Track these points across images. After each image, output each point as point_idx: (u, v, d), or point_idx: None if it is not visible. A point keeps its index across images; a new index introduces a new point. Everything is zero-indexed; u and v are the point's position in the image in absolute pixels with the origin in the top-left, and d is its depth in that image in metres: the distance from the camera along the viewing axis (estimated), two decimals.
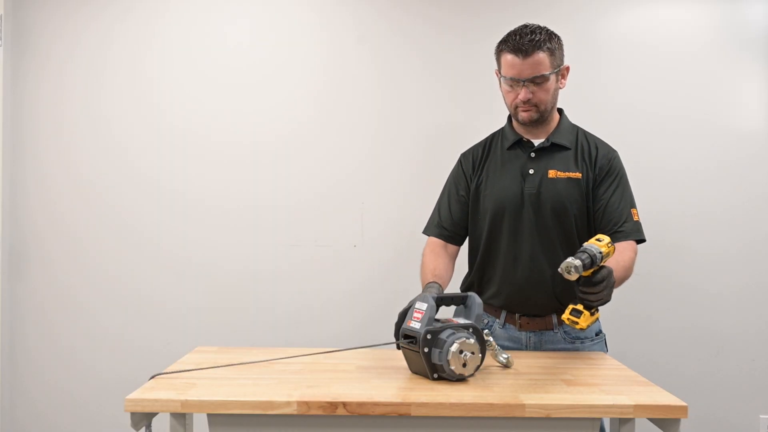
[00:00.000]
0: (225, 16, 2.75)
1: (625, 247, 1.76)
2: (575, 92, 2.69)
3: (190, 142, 2.75)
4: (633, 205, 1.86)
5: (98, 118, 2.75)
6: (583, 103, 2.70)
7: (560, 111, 1.95)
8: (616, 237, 1.77)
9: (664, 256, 2.70)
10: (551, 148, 1.88)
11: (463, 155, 2.03)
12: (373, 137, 2.75)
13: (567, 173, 1.85)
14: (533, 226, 1.85)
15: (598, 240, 1.50)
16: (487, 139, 2.02)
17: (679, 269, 2.71)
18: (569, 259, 1.44)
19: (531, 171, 1.87)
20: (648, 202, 2.67)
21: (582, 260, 1.44)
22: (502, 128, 1.99)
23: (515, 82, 1.80)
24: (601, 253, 1.47)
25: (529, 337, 1.88)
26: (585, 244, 1.49)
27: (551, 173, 1.86)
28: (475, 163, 1.97)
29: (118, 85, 2.75)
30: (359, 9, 2.75)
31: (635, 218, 1.83)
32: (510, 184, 1.88)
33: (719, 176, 2.71)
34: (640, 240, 1.83)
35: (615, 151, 1.92)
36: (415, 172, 2.72)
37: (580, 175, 1.85)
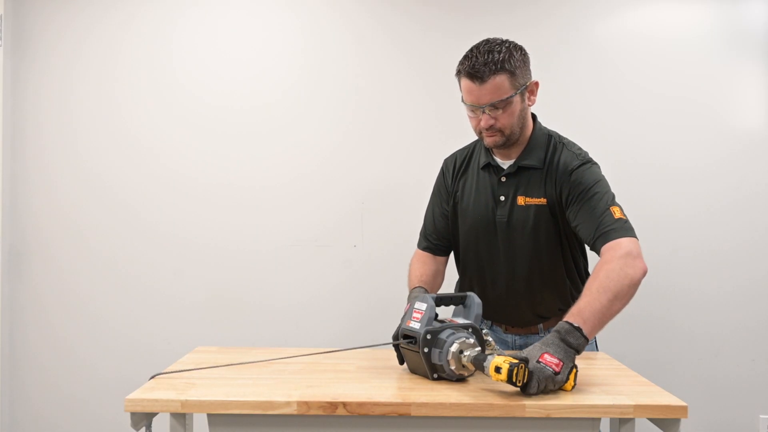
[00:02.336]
0: (223, 20, 2.76)
1: (608, 258, 1.55)
2: (573, 93, 2.71)
3: (192, 144, 2.75)
4: (611, 204, 1.66)
5: (98, 117, 2.76)
6: (581, 104, 2.71)
7: (534, 118, 1.82)
8: (597, 244, 1.62)
9: (664, 256, 2.70)
10: (520, 171, 1.77)
11: (446, 162, 1.97)
12: (373, 137, 2.75)
13: (534, 199, 1.75)
14: (508, 252, 1.81)
15: (497, 368, 1.33)
16: (470, 146, 1.94)
17: (678, 269, 2.72)
18: (469, 353, 1.42)
19: (502, 198, 1.79)
20: (646, 202, 2.69)
21: (473, 356, 1.40)
22: None
23: (475, 108, 1.69)
24: (481, 362, 1.37)
25: (515, 339, 1.88)
26: (495, 356, 1.36)
27: (520, 200, 1.77)
28: (455, 173, 1.91)
29: (119, 84, 2.76)
30: (358, 11, 2.75)
31: (616, 216, 1.63)
32: (483, 210, 1.82)
33: (718, 174, 2.71)
34: (627, 236, 1.60)
35: (580, 156, 1.75)
36: (415, 172, 2.71)
37: (546, 201, 1.74)
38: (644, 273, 1.54)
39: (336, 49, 2.76)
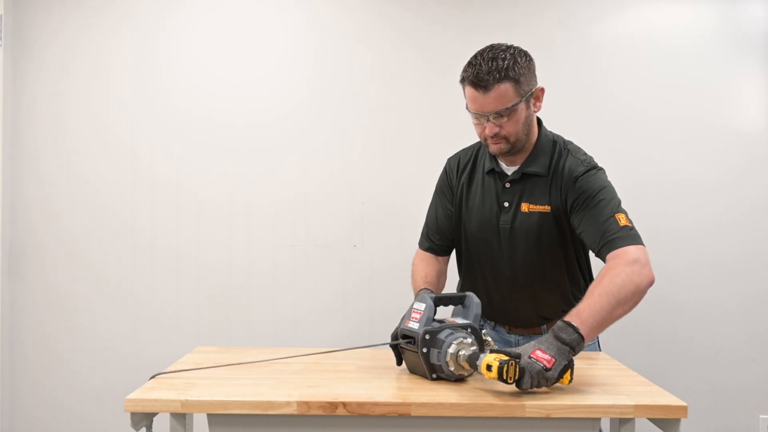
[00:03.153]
0: (222, 15, 2.76)
1: (613, 264, 1.54)
2: (573, 94, 2.71)
3: (190, 140, 2.75)
4: (617, 211, 1.64)
5: (98, 118, 2.76)
6: (581, 105, 2.71)
7: (539, 122, 1.81)
8: (603, 252, 1.60)
9: (664, 257, 2.69)
10: (525, 177, 1.77)
11: (449, 162, 1.96)
12: (373, 137, 2.75)
13: (538, 206, 1.74)
14: (511, 258, 1.80)
15: (489, 366, 1.33)
16: (474, 146, 1.93)
17: (678, 269, 2.72)
18: (464, 351, 1.41)
19: (506, 204, 1.78)
20: (646, 206, 2.69)
21: (468, 355, 1.39)
22: None
23: (480, 116, 1.68)
24: (473, 360, 1.38)
25: (518, 340, 1.88)
26: (487, 354, 1.36)
27: (524, 207, 1.76)
28: (459, 173, 1.90)
29: (119, 85, 2.76)
30: (357, 10, 2.75)
31: (621, 223, 1.61)
32: (488, 215, 1.81)
33: (718, 179, 2.71)
34: (633, 243, 1.58)
35: (585, 162, 1.74)
36: (415, 172, 2.72)
37: (549, 208, 1.73)
38: (651, 282, 1.53)
39: (336, 50, 2.76)
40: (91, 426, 2.74)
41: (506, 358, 1.32)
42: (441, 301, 1.56)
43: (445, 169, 1.97)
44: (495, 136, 1.69)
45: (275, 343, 2.60)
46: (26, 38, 2.75)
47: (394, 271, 2.68)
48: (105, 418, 2.72)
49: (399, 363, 1.58)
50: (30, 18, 2.75)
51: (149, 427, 1.40)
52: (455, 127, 2.55)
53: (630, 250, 1.56)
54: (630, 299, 1.49)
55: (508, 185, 1.79)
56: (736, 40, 2.71)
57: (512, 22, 2.71)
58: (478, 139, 1.96)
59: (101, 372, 2.74)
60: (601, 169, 1.76)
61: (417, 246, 2.01)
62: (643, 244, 1.60)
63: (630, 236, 1.59)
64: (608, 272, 1.52)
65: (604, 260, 1.60)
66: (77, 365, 2.76)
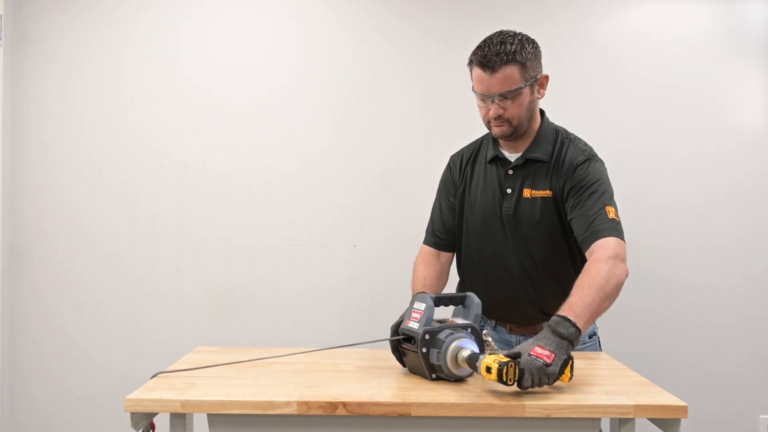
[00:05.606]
0: (219, 18, 2.76)
1: (597, 257, 1.59)
2: (574, 92, 2.71)
3: (192, 141, 2.75)
4: (608, 204, 1.69)
5: (99, 117, 2.76)
6: (581, 103, 2.71)
7: (542, 113, 1.85)
8: (587, 241, 1.65)
9: (663, 255, 2.70)
10: (527, 164, 1.80)
11: (452, 158, 1.99)
12: (372, 137, 2.75)
13: (540, 192, 1.78)
14: (514, 246, 1.82)
15: (488, 368, 1.32)
16: (476, 142, 1.96)
17: (677, 269, 2.72)
18: (466, 353, 1.40)
19: (508, 190, 1.81)
20: (646, 202, 2.69)
21: (468, 356, 1.38)
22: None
23: (485, 97, 1.72)
24: (474, 361, 1.36)
25: (519, 340, 1.88)
26: (486, 355, 1.35)
27: (526, 192, 1.79)
28: (462, 168, 1.93)
29: (120, 83, 2.75)
30: (355, 11, 2.75)
31: (610, 216, 1.66)
32: (490, 202, 1.84)
33: (717, 175, 2.71)
34: (616, 236, 1.63)
35: (586, 152, 1.78)
36: (414, 172, 2.72)
37: (551, 193, 1.77)
38: (626, 276, 1.59)
39: (336, 50, 2.76)
40: (93, 422, 2.74)
41: (505, 359, 1.32)
42: (441, 301, 1.56)
43: (448, 165, 2.00)
44: (498, 118, 1.73)
45: (275, 343, 2.59)
46: (26, 38, 2.75)
47: (394, 271, 2.67)
48: (106, 414, 2.71)
49: (401, 363, 1.57)
50: (30, 18, 2.75)
51: (147, 427, 1.40)
52: (456, 127, 2.56)
53: (612, 243, 1.62)
54: (613, 293, 1.55)
55: (510, 172, 1.82)
56: (737, 38, 2.70)
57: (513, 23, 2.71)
58: (478, 137, 1.98)
59: (102, 372, 2.74)
60: (600, 160, 1.80)
61: (417, 245, 2.01)
62: (624, 240, 1.66)
63: (615, 229, 1.65)
64: (593, 265, 1.58)
65: (586, 248, 1.66)
66: (79, 362, 2.75)
